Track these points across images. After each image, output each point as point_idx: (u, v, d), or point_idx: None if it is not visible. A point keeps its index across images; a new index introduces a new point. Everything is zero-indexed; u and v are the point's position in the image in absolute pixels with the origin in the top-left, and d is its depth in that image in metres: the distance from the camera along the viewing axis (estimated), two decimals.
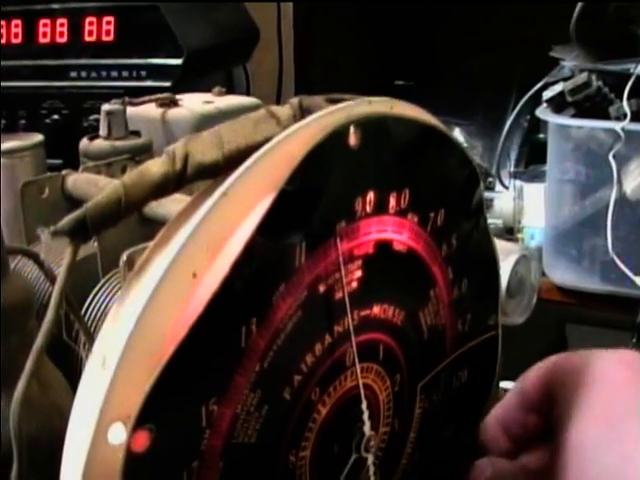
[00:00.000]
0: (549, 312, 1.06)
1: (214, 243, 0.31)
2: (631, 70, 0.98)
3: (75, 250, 0.32)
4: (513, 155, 1.26)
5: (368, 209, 0.38)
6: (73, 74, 1.10)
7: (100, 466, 0.30)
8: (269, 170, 0.33)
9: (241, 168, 0.33)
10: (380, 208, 0.39)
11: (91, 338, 0.42)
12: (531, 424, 0.46)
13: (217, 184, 0.33)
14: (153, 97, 0.80)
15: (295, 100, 0.38)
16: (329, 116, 0.36)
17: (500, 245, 0.52)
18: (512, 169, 1.24)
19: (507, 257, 0.57)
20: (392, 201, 0.40)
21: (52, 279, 0.40)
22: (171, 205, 0.48)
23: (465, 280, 0.47)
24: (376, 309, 0.41)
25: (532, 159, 1.24)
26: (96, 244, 0.50)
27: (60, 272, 0.32)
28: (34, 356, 0.31)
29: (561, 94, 1.00)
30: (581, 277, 1.01)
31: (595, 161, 0.97)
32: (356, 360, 0.39)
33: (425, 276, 0.44)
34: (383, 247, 0.40)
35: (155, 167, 0.33)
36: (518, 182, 1.16)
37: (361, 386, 0.40)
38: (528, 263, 0.58)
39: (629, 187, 0.97)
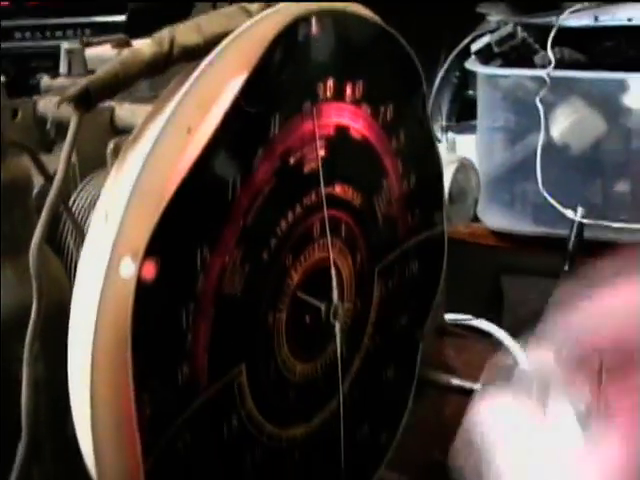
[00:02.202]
0: (484, 261, 1.10)
1: (205, 101, 0.36)
2: (553, 22, 1.04)
3: (80, 117, 0.36)
4: (444, 111, 1.31)
5: (328, 94, 0.43)
6: (18, 35, 1.13)
7: (113, 299, 0.35)
8: (246, 46, 0.38)
9: (223, 43, 0.37)
10: (338, 94, 0.44)
11: (80, 230, 0.46)
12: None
13: (200, 62, 0.38)
14: (108, 38, 0.83)
15: None
16: (294, 7, 0.41)
17: (441, 155, 0.58)
18: (444, 123, 1.29)
19: (447, 166, 0.62)
20: (348, 90, 0.45)
21: (45, 174, 0.43)
22: (143, 115, 0.52)
23: (413, 176, 0.52)
24: (338, 188, 0.46)
25: (462, 115, 1.28)
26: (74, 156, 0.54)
27: (68, 136, 0.36)
28: (50, 204, 0.35)
29: (488, 46, 1.05)
30: (515, 220, 1.05)
31: (523, 108, 1.02)
32: (326, 221, 0.43)
33: (378, 165, 0.49)
34: (342, 131, 0.45)
35: (146, 48, 0.38)
36: (450, 134, 1.21)
37: (330, 250, 0.44)
38: (467, 172, 0.64)
39: (556, 131, 1.03)
